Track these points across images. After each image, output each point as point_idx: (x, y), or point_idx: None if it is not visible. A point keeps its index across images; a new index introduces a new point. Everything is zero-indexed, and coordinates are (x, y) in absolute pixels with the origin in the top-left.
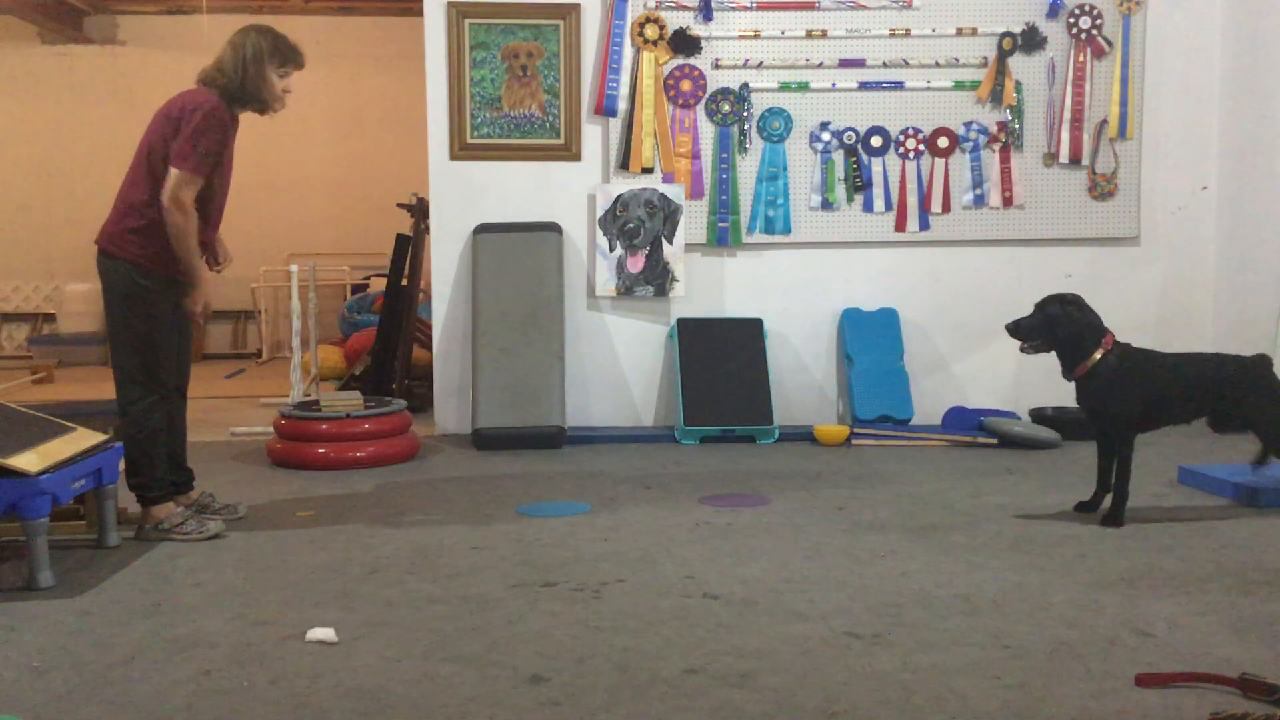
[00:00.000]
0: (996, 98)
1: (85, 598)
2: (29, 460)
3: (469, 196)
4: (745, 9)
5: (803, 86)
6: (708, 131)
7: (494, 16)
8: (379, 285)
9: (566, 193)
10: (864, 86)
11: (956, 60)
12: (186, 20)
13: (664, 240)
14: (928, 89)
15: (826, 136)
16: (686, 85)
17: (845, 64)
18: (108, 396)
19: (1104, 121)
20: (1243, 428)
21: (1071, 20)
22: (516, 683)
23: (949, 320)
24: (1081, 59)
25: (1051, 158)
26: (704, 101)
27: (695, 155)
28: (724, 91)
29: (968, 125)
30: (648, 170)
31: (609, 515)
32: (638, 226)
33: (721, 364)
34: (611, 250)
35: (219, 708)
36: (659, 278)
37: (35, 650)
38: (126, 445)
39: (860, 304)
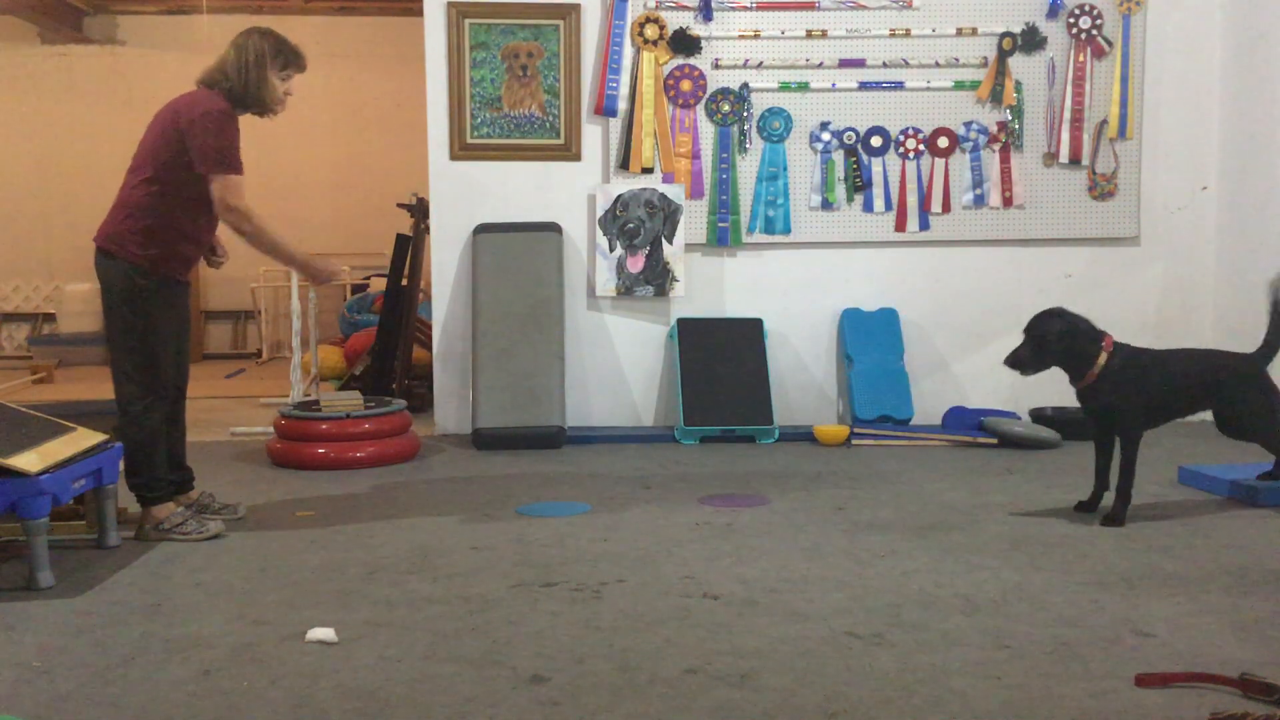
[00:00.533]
0: (996, 98)
1: (85, 598)
2: (29, 460)
3: (469, 196)
4: (745, 9)
5: (803, 86)
6: (708, 131)
7: (494, 16)
8: (379, 285)
9: (566, 193)
10: (864, 86)
11: (956, 60)
12: (186, 20)
13: (664, 240)
14: (928, 89)
15: (826, 136)
16: (686, 85)
17: (845, 64)
18: (108, 396)
19: (1104, 121)
20: (1239, 429)
21: (1071, 20)
22: (516, 683)
23: (949, 320)
24: (1081, 59)
25: (1051, 158)
26: (704, 101)
27: (695, 155)
28: (724, 91)
29: (968, 125)
30: (648, 170)
31: (609, 515)
32: (638, 226)
33: (721, 364)
34: (611, 250)
35: (219, 708)
36: (659, 278)
37: (35, 650)
38: (126, 445)
39: (860, 304)
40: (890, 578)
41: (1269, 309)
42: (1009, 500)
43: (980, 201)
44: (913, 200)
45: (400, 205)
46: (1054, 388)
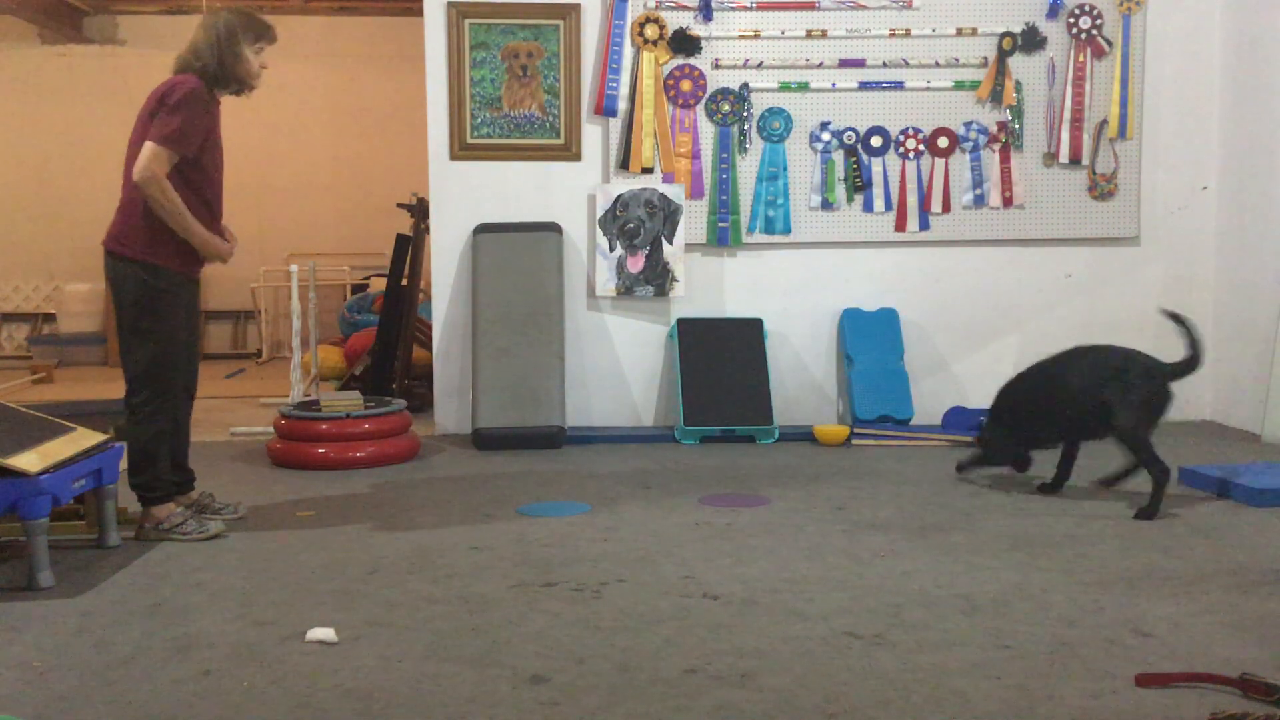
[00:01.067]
0: (996, 98)
1: (85, 598)
2: (29, 460)
3: (469, 196)
4: (745, 9)
5: (803, 86)
6: (708, 131)
7: (494, 16)
8: (379, 285)
9: (566, 193)
10: (864, 86)
11: (956, 60)
12: (186, 20)
13: (664, 240)
14: (928, 89)
15: (826, 136)
16: (686, 85)
17: (845, 64)
18: (108, 396)
19: (1104, 121)
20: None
21: (1071, 20)
22: (516, 683)
23: (949, 320)
24: (1081, 59)
25: (1051, 158)
26: (704, 101)
27: (695, 155)
28: (724, 91)
29: (968, 125)
30: (648, 170)
31: (609, 515)
32: (638, 226)
33: (721, 364)
34: (611, 250)
35: (219, 708)
36: (659, 278)
37: (35, 650)
38: (130, 444)
39: (860, 304)
40: (890, 578)
41: (1184, 330)
42: (1009, 500)
43: (980, 201)
44: (913, 200)
45: (400, 205)
46: None
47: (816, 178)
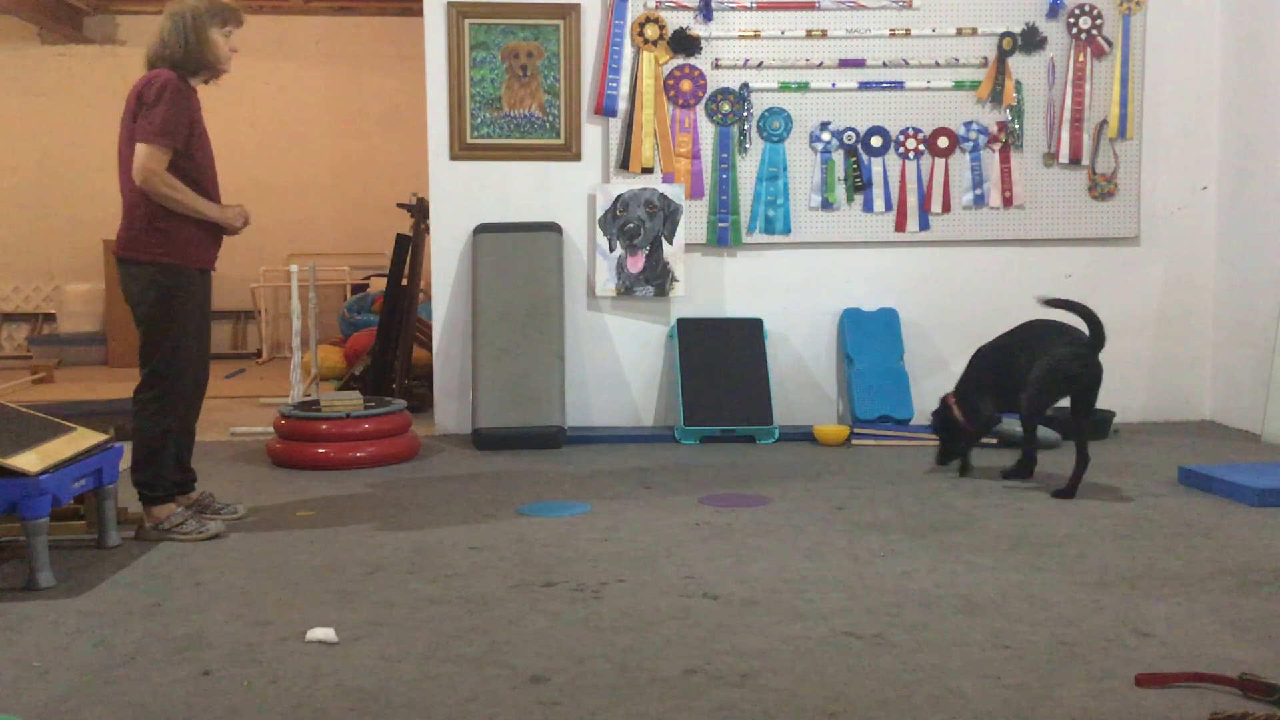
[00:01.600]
0: (996, 98)
1: (85, 598)
2: (29, 460)
3: (469, 196)
4: (745, 9)
5: (803, 86)
6: (708, 131)
7: (494, 16)
8: (379, 285)
9: (566, 193)
10: (864, 86)
11: (956, 60)
12: None
13: (664, 240)
14: (928, 89)
15: (826, 136)
16: (686, 85)
17: (845, 64)
18: (108, 396)
19: (1104, 121)
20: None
21: (1071, 20)
22: (516, 683)
23: (949, 320)
24: (1081, 59)
25: (1051, 158)
26: (704, 101)
27: (695, 155)
28: (724, 91)
29: (968, 125)
30: (648, 170)
31: (609, 515)
32: (638, 226)
33: (721, 364)
34: (611, 250)
35: (219, 708)
36: (659, 278)
37: (35, 650)
38: (135, 441)
39: (860, 304)
40: (890, 578)
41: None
42: (1009, 500)
43: (980, 201)
44: (913, 200)
45: (400, 205)
46: None
47: (816, 178)
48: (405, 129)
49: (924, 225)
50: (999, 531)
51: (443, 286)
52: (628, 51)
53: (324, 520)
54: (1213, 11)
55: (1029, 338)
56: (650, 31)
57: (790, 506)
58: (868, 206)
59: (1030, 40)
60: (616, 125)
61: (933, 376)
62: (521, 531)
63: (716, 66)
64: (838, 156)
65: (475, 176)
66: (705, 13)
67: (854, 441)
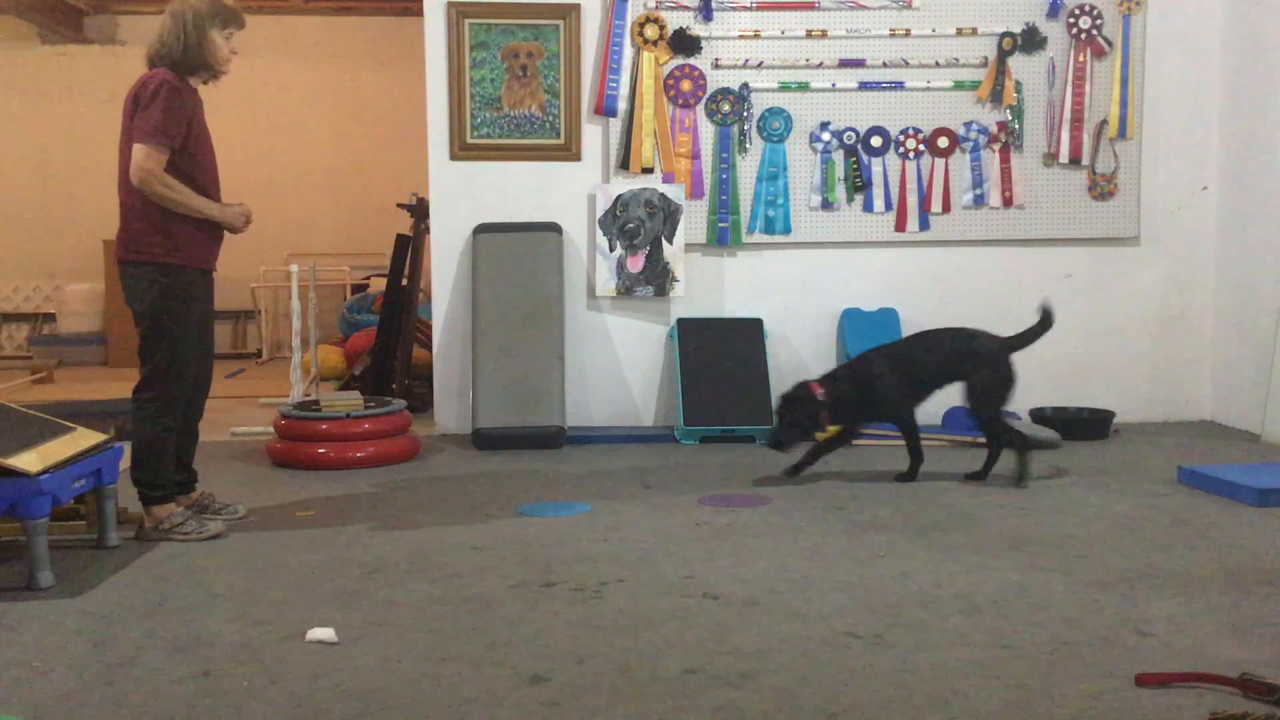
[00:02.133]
0: (996, 98)
1: (85, 598)
2: (29, 460)
3: (469, 196)
4: (745, 9)
5: (803, 86)
6: (708, 131)
7: (494, 16)
8: (379, 285)
9: (566, 193)
10: (864, 86)
11: (956, 60)
12: None
13: (664, 240)
14: (928, 89)
15: (826, 136)
16: (686, 85)
17: (845, 64)
18: (108, 396)
19: (1104, 121)
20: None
21: (1071, 20)
22: (516, 683)
23: (949, 320)
24: (1081, 59)
25: (1051, 158)
26: (704, 101)
27: (695, 155)
28: (724, 91)
29: (968, 125)
30: (648, 170)
31: (609, 515)
32: (638, 226)
33: (721, 364)
34: (611, 250)
35: (219, 708)
36: (659, 278)
37: (35, 650)
38: (135, 440)
39: (860, 304)
40: (890, 578)
41: (1038, 314)
42: (1009, 500)
43: (980, 201)
44: (913, 200)
45: (400, 205)
46: (1054, 389)
47: (816, 178)
48: (405, 129)
49: (924, 225)
50: (999, 531)
51: (443, 286)
52: (628, 51)
53: (324, 520)
54: (1213, 11)
55: (928, 337)
56: (650, 31)
57: (790, 506)
58: (868, 206)
59: (1030, 40)
60: (616, 125)
61: None
62: (521, 531)
63: (716, 66)
64: (838, 156)
65: (475, 176)
66: (705, 13)
67: (854, 441)
